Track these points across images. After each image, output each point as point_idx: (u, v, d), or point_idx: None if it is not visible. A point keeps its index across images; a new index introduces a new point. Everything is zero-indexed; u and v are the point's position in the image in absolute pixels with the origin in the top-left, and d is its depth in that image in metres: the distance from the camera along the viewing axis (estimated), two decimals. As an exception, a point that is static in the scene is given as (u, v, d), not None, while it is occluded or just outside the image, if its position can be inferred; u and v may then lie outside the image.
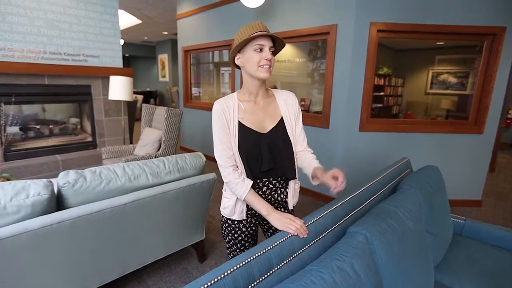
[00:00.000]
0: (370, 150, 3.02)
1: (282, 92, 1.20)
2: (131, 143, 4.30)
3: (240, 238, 1.21)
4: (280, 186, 1.16)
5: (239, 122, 1.09)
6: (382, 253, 1.01)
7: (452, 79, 4.38)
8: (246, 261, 0.80)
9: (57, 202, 1.39)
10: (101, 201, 1.43)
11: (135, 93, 8.51)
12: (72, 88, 3.55)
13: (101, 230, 1.44)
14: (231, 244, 1.24)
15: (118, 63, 3.87)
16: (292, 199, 1.20)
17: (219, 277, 0.72)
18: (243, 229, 1.20)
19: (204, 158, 1.97)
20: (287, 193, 1.19)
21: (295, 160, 1.17)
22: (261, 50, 1.03)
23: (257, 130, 1.10)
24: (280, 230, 0.98)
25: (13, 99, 3.11)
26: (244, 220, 1.18)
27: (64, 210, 1.32)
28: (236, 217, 1.18)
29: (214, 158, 1.13)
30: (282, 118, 1.14)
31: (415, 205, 1.34)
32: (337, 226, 1.13)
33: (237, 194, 1.09)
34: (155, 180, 1.67)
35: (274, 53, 1.10)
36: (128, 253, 1.64)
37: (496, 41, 2.78)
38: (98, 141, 3.88)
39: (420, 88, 5.17)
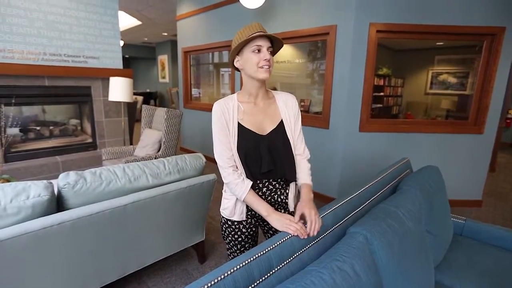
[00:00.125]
0: (370, 151, 3.02)
1: (282, 94, 1.19)
2: (131, 144, 4.30)
3: (240, 239, 1.21)
4: (280, 187, 1.16)
5: (239, 123, 1.09)
6: (382, 253, 1.01)
7: (452, 79, 4.38)
8: (246, 261, 0.80)
9: (57, 203, 1.39)
10: (101, 202, 1.43)
11: (135, 94, 8.52)
12: (72, 89, 3.55)
13: (101, 231, 1.44)
14: (231, 245, 1.24)
15: (118, 64, 3.87)
16: (293, 200, 1.20)
17: (219, 278, 0.72)
18: (243, 230, 1.19)
19: (204, 159, 1.97)
20: (287, 194, 1.19)
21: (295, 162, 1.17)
22: (259, 51, 1.03)
23: (256, 131, 1.10)
24: (280, 231, 0.98)
25: (13, 101, 3.11)
26: (244, 221, 1.18)
27: (65, 212, 1.32)
28: (236, 218, 1.18)
29: (214, 159, 1.13)
30: (282, 121, 1.14)
31: (415, 206, 1.34)
32: (337, 227, 1.13)
33: (236, 195, 1.09)
34: (155, 181, 1.67)
35: (273, 53, 1.10)
36: (128, 254, 1.64)
37: (495, 41, 2.78)
38: (98, 142, 3.88)
39: (420, 88, 5.17)
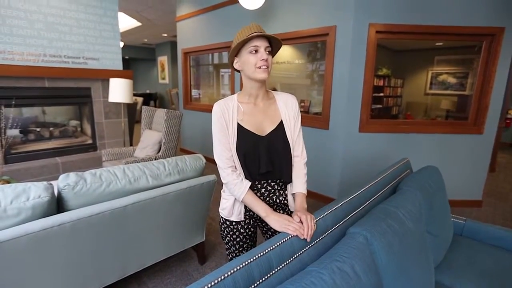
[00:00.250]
0: (370, 151, 3.02)
1: (282, 95, 1.19)
2: (131, 145, 4.31)
3: (238, 239, 1.21)
4: (279, 188, 1.16)
5: (238, 124, 1.10)
6: (382, 253, 1.01)
7: (452, 80, 4.38)
8: (246, 262, 0.80)
9: (58, 204, 1.39)
10: (102, 203, 1.43)
11: (135, 95, 8.52)
12: (72, 90, 3.55)
13: (101, 232, 1.44)
14: (229, 245, 1.24)
15: (118, 65, 3.88)
16: (292, 200, 1.20)
17: (219, 279, 0.72)
18: (241, 231, 1.20)
19: (204, 160, 1.97)
20: (286, 195, 1.19)
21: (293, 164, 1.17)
22: (256, 51, 1.03)
23: (256, 132, 1.10)
24: (279, 232, 0.98)
25: (13, 102, 3.12)
26: (242, 221, 1.18)
27: (65, 213, 1.32)
28: (234, 218, 1.18)
29: (214, 160, 1.13)
30: (282, 121, 1.14)
31: (415, 206, 1.34)
32: (337, 227, 1.13)
33: (235, 195, 1.09)
34: (155, 182, 1.67)
35: (272, 53, 1.10)
36: (128, 255, 1.64)
37: (494, 41, 2.79)
38: (98, 143, 3.89)
39: (420, 88, 5.17)
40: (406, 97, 5.49)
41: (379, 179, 1.54)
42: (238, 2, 3.36)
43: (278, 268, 0.86)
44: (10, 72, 3.01)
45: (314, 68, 3.70)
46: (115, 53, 3.83)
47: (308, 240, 0.95)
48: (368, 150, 3.02)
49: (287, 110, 1.15)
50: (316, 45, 3.54)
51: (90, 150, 3.85)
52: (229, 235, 1.22)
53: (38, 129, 3.68)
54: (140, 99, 8.31)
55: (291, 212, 1.22)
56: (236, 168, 1.11)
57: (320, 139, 3.19)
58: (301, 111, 1.23)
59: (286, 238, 0.93)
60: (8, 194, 1.19)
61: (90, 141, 3.88)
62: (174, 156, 1.90)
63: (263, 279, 0.81)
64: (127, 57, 11.34)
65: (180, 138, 3.89)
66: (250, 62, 1.03)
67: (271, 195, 1.15)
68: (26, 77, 3.17)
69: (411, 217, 1.25)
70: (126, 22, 7.43)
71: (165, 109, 3.15)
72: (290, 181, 1.16)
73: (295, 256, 0.92)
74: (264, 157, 1.08)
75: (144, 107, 3.59)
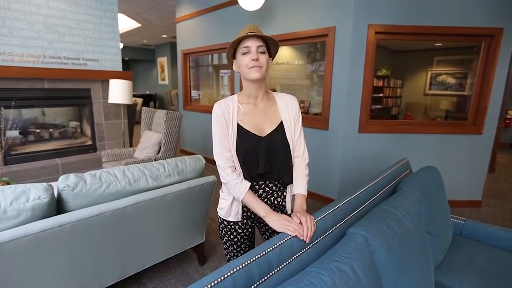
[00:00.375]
0: (370, 152, 3.02)
1: (283, 95, 1.19)
2: (131, 146, 4.31)
3: (236, 239, 1.21)
4: (277, 189, 1.16)
5: (238, 124, 1.10)
6: (382, 254, 1.01)
7: (451, 80, 4.38)
8: (246, 263, 0.80)
9: (57, 205, 1.39)
10: (101, 204, 1.43)
11: (134, 96, 8.53)
12: (71, 91, 3.55)
13: (101, 233, 1.44)
14: (227, 245, 1.24)
15: (118, 66, 3.88)
16: (290, 202, 1.20)
17: (219, 279, 0.73)
18: (239, 231, 1.20)
19: (204, 161, 1.97)
20: (284, 196, 1.19)
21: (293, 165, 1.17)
22: (248, 52, 1.03)
23: (255, 133, 1.10)
24: (277, 233, 0.98)
25: (13, 103, 3.12)
26: (239, 221, 1.18)
27: (64, 214, 1.32)
28: (231, 218, 1.18)
29: (214, 161, 1.13)
30: (282, 122, 1.14)
31: (414, 206, 1.35)
32: (336, 228, 1.13)
33: (235, 195, 1.09)
34: (155, 183, 1.67)
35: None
36: (128, 256, 1.64)
37: (493, 42, 2.79)
38: (98, 144, 3.88)
39: (419, 89, 5.17)
40: (405, 98, 5.50)
41: (378, 179, 1.54)
42: (238, 3, 3.36)
43: (278, 268, 0.86)
44: (9, 73, 3.01)
45: (313, 69, 3.71)
46: (114, 54, 3.83)
47: (307, 241, 0.95)
48: (367, 151, 3.02)
49: (287, 111, 1.15)
50: (315, 46, 3.54)
51: (90, 151, 3.85)
52: (227, 235, 1.22)
53: (37, 130, 3.68)
54: (140, 100, 8.32)
55: (289, 214, 1.21)
56: (235, 168, 1.11)
57: (319, 139, 3.19)
58: (301, 112, 1.22)
59: (286, 239, 0.93)
60: (8, 195, 1.19)
61: (89, 142, 3.88)
62: (174, 157, 1.90)
63: (263, 279, 0.81)
64: (126, 58, 11.35)
65: (180, 139, 3.89)
66: (243, 63, 1.04)
67: (268, 196, 1.15)
68: (26, 78, 3.17)
69: (411, 217, 1.25)
70: (126, 23, 7.44)
71: (165, 110, 3.15)
72: (290, 182, 1.16)
73: (295, 256, 0.92)
74: (263, 158, 1.08)
75: (143, 108, 3.59)
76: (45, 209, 1.27)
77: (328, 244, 1.05)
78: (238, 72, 1.12)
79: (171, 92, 10.09)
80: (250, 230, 1.22)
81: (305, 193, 1.15)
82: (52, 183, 1.38)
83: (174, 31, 5.87)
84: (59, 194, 1.38)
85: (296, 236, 0.95)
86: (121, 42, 8.47)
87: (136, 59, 11.78)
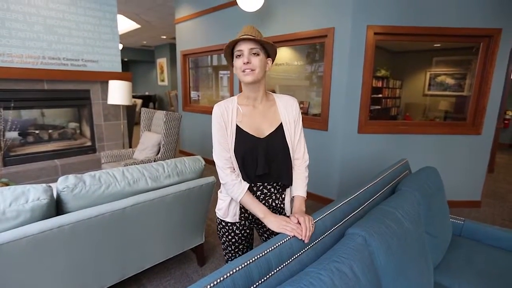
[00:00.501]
0: (369, 152, 3.03)
1: (283, 97, 1.18)
2: (130, 147, 4.30)
3: (233, 240, 1.21)
4: (275, 191, 1.16)
5: (237, 126, 1.10)
6: (381, 254, 1.01)
7: (450, 81, 4.40)
8: (246, 263, 0.80)
9: (57, 206, 1.39)
10: (101, 205, 1.43)
11: (134, 97, 8.53)
12: (71, 92, 3.55)
13: (100, 234, 1.44)
14: (226, 246, 1.25)
15: (117, 67, 3.88)
16: (289, 205, 1.19)
17: (218, 280, 0.73)
18: (237, 232, 1.20)
19: (203, 162, 1.97)
20: (283, 198, 1.19)
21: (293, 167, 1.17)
22: (241, 55, 1.04)
23: (254, 134, 1.10)
24: (276, 234, 0.98)
25: (12, 104, 3.12)
26: (237, 222, 1.18)
27: (64, 215, 1.32)
28: (229, 219, 1.18)
29: (213, 162, 1.13)
30: (281, 124, 1.13)
31: (413, 207, 1.35)
32: (336, 228, 1.13)
33: (233, 196, 1.09)
34: (155, 184, 1.67)
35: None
36: (127, 258, 1.63)
37: (492, 42, 2.80)
38: (97, 145, 3.88)
39: (418, 89, 5.18)
40: (404, 98, 5.51)
41: (377, 180, 1.54)
42: (237, 4, 3.37)
43: (277, 269, 0.86)
44: (9, 74, 3.01)
45: (312, 70, 3.71)
46: (114, 55, 3.84)
47: (306, 241, 0.95)
48: (367, 151, 3.03)
49: (287, 112, 1.15)
50: (314, 47, 3.55)
51: (89, 152, 3.85)
52: (225, 236, 1.22)
53: (37, 132, 3.67)
54: (139, 101, 8.32)
55: (288, 216, 1.21)
56: (234, 169, 1.11)
57: (319, 140, 3.19)
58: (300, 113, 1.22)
59: (285, 239, 0.93)
60: (7, 196, 1.19)
61: (89, 143, 3.88)
62: (173, 158, 1.90)
63: (262, 280, 0.81)
64: (126, 59, 11.35)
65: (179, 140, 3.89)
66: (237, 66, 1.05)
67: (266, 198, 1.15)
68: (25, 79, 3.16)
69: (410, 218, 1.26)
70: (125, 25, 7.45)
71: (164, 111, 3.16)
72: (290, 184, 1.16)
73: (294, 257, 0.92)
74: (262, 159, 1.08)
75: (143, 109, 3.59)
76: (44, 210, 1.27)
77: (327, 244, 1.05)
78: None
79: (170, 93, 10.10)
80: (248, 231, 1.22)
81: (305, 195, 1.15)
82: (51, 184, 1.38)
83: (174, 32, 5.88)
84: (58, 195, 1.38)
85: (295, 236, 0.95)
86: (121, 43, 8.47)
87: (135, 60, 11.78)
